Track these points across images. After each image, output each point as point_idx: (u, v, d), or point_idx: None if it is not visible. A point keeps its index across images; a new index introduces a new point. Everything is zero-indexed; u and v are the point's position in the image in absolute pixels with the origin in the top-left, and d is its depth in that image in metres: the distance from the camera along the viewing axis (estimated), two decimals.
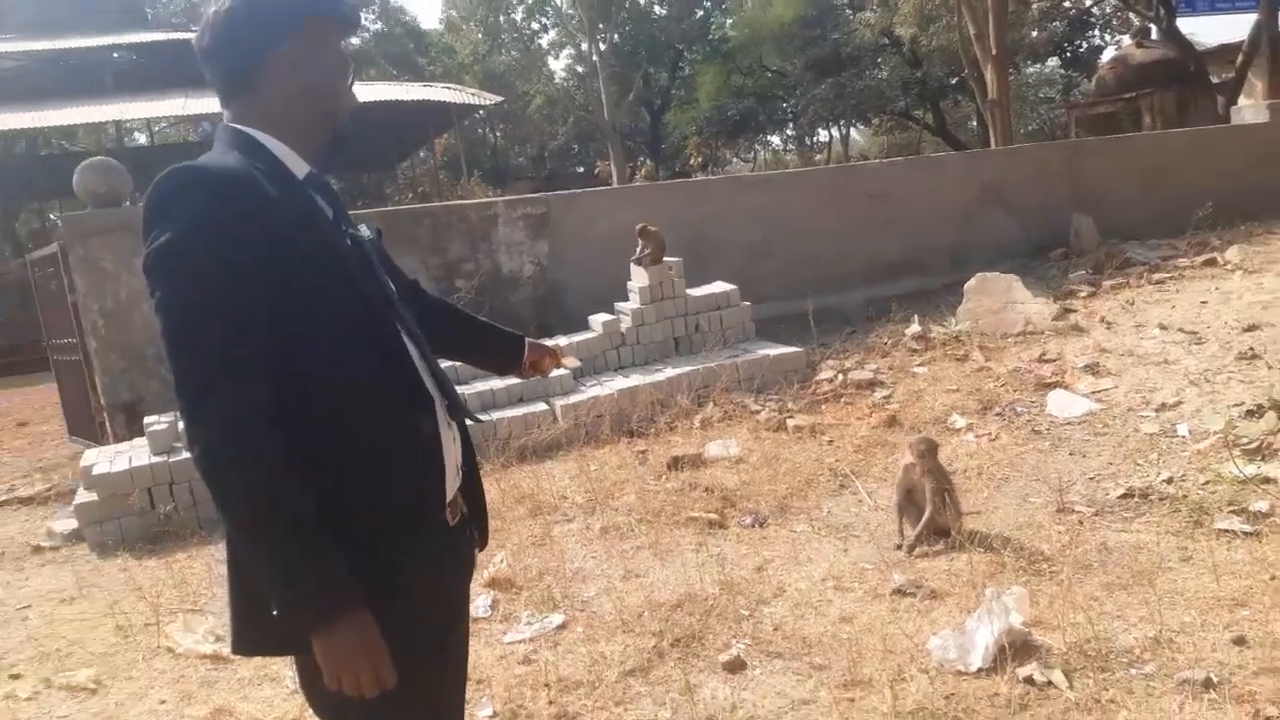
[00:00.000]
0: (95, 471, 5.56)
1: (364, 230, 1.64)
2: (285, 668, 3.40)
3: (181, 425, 1.31)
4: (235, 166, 1.42)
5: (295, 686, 3.22)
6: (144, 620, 4.11)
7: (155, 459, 5.60)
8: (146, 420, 6.06)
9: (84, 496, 5.55)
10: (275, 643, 1.47)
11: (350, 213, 1.64)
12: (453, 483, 1.60)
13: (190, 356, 1.31)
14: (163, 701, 3.45)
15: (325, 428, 1.42)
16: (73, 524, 5.61)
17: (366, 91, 18.25)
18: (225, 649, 3.73)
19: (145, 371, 6.97)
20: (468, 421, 1.68)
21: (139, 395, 6.97)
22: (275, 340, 1.37)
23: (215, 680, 3.54)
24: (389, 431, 1.47)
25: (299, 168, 1.53)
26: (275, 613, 1.34)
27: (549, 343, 2.23)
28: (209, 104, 16.67)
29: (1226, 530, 3.65)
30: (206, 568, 4.71)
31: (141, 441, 6.02)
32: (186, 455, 5.61)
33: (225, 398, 1.30)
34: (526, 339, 2.04)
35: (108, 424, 7.08)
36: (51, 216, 28.47)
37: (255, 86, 1.51)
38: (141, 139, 28.58)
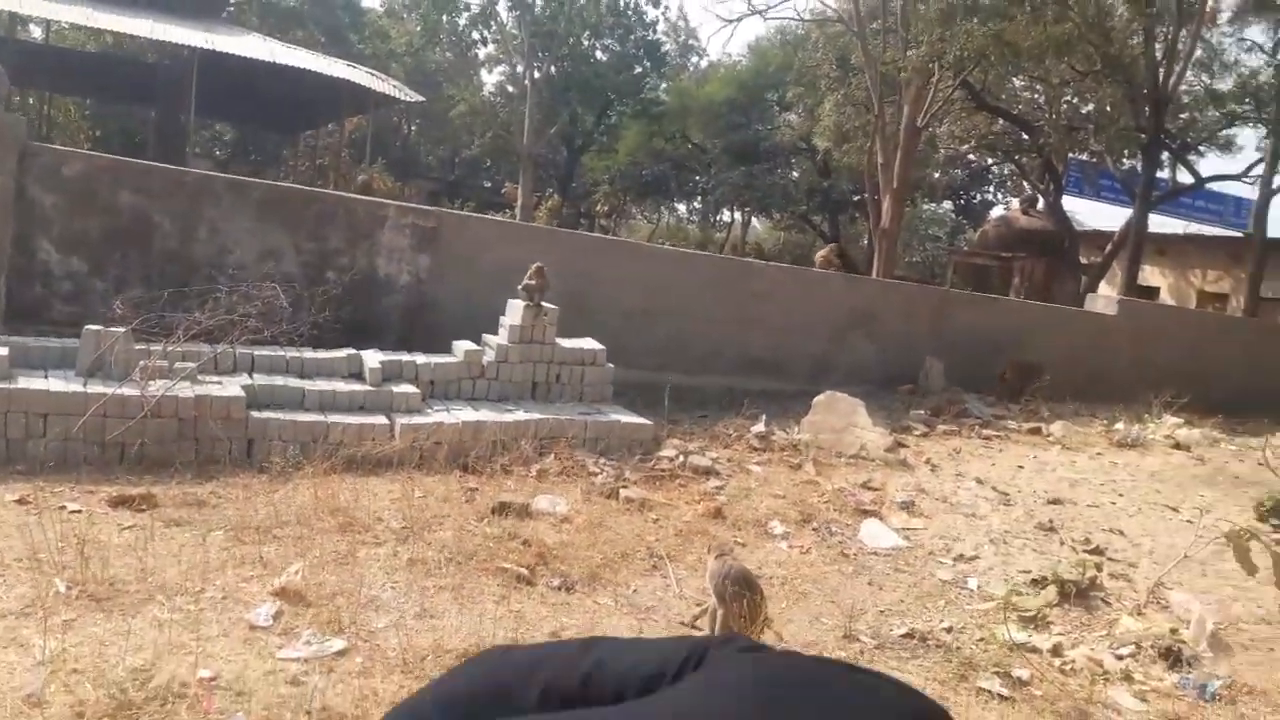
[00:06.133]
0: None
1: None
2: (35, 636, 3.20)
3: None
4: None
5: (41, 657, 3.04)
6: None
7: None
8: None
9: None
10: None
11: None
12: None
13: None
14: None
15: None
16: None
17: (289, 55, 17.74)
18: None
19: None
20: None
21: None
22: None
23: None
24: None
25: None
26: None
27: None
28: (174, 33, 15.94)
29: (986, 690, 3.91)
30: None
31: None
32: (21, 384, 5.30)
33: None
34: None
35: None
36: None
37: None
38: (37, 33, 26.82)
